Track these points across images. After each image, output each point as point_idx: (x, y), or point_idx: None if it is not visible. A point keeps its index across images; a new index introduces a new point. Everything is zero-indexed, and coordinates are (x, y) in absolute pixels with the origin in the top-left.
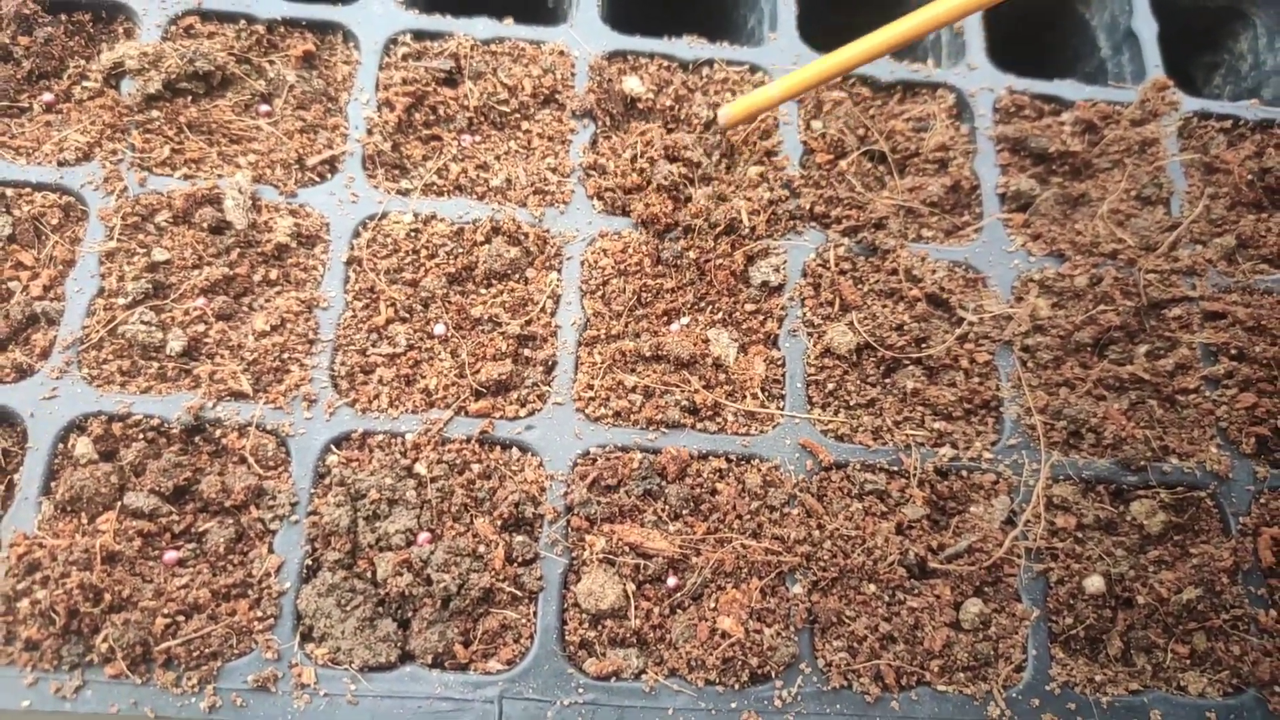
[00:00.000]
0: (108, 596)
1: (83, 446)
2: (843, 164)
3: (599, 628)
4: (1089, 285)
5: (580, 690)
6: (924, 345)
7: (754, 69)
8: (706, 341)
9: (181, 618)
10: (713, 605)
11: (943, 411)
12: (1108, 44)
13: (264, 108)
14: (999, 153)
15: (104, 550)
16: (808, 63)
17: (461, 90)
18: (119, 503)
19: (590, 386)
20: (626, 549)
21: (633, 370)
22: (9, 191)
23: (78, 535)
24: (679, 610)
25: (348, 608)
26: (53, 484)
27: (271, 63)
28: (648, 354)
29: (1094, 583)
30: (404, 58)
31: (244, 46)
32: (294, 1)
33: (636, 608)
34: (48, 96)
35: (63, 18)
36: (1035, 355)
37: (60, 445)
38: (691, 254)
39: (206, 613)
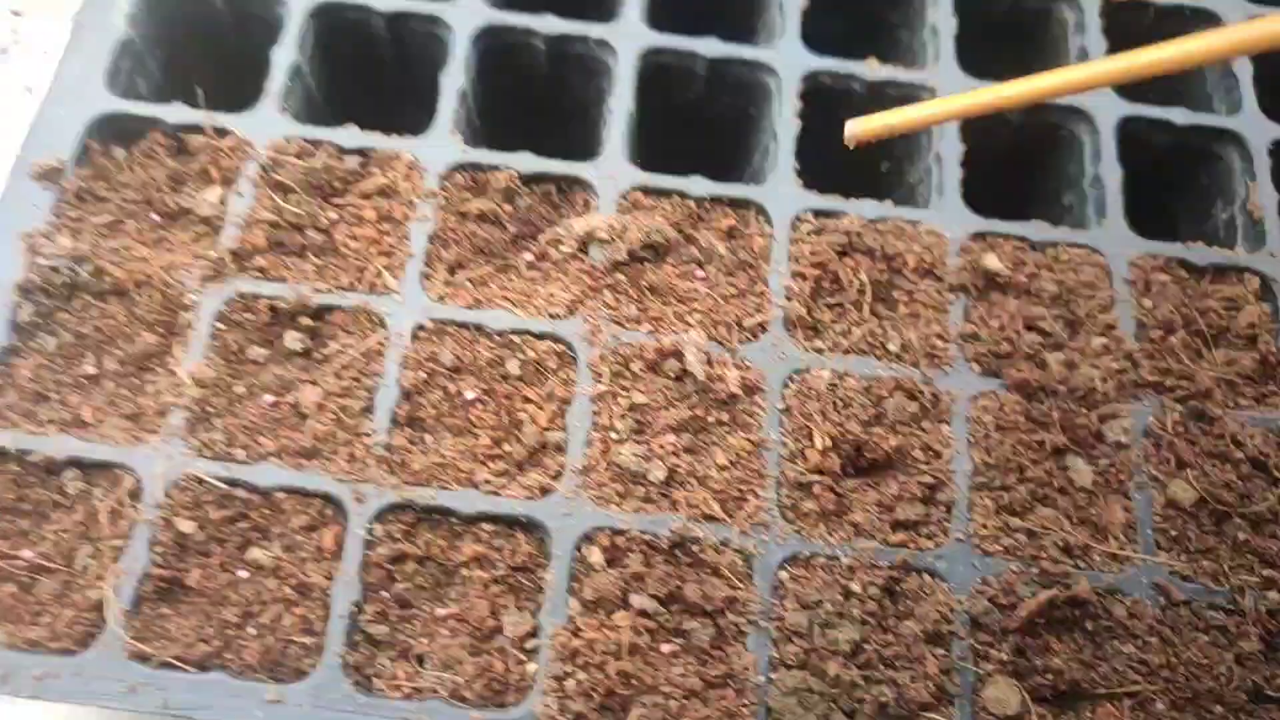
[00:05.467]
0: (634, 681)
1: (595, 555)
2: (1172, 339)
3: None
4: None
5: None
6: (1248, 501)
7: (1092, 250)
8: (1065, 469)
9: (686, 700)
10: (1089, 713)
11: (1269, 560)
12: None
13: (699, 273)
14: None
15: (629, 643)
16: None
17: (855, 263)
18: (626, 603)
19: (984, 525)
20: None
21: (1015, 513)
22: (515, 338)
23: (603, 630)
24: (1064, 715)
25: (808, 705)
26: (573, 585)
27: (702, 233)
28: (1026, 498)
29: None
30: (808, 233)
31: (679, 219)
32: (717, 182)
33: (1035, 714)
34: (528, 256)
35: (536, 189)
36: None
37: (576, 553)
38: (1055, 414)
39: (700, 698)
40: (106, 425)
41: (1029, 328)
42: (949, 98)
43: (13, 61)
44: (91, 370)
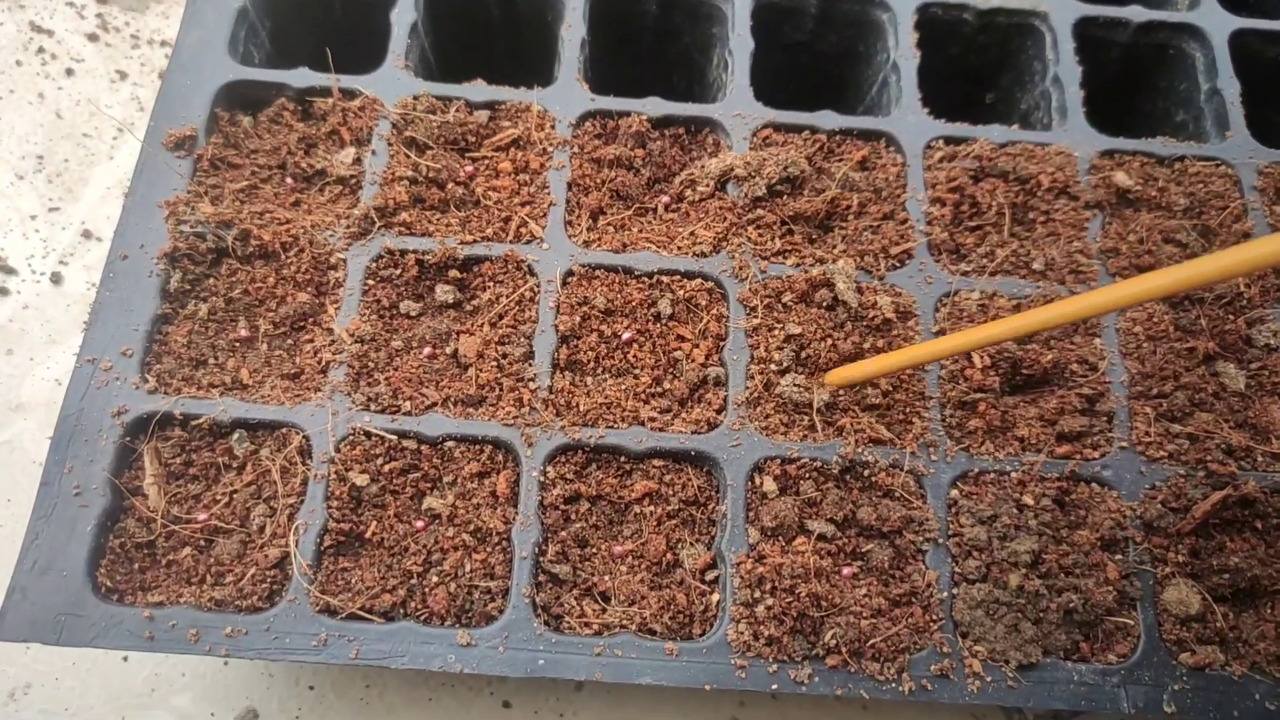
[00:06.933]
0: (824, 603)
1: (769, 484)
2: None
3: (1189, 628)
4: None
5: (1183, 678)
6: None
7: (1220, 162)
8: (1217, 374)
9: (875, 619)
10: (1269, 610)
11: None
12: None
13: (843, 204)
14: None
15: (815, 566)
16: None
17: (991, 186)
18: (804, 529)
19: (1147, 432)
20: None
21: (1174, 419)
22: (664, 278)
23: (786, 555)
24: (1245, 613)
25: (995, 616)
26: (750, 513)
27: (836, 165)
28: (1184, 404)
29: None
30: (940, 160)
31: (811, 153)
32: (847, 115)
33: (1217, 613)
34: (664, 199)
35: (665, 132)
36: None
37: (749, 483)
38: (1203, 321)
39: (887, 617)
40: (267, 386)
41: (1166, 240)
42: (917, 345)
43: (103, 48)
44: (245, 333)
